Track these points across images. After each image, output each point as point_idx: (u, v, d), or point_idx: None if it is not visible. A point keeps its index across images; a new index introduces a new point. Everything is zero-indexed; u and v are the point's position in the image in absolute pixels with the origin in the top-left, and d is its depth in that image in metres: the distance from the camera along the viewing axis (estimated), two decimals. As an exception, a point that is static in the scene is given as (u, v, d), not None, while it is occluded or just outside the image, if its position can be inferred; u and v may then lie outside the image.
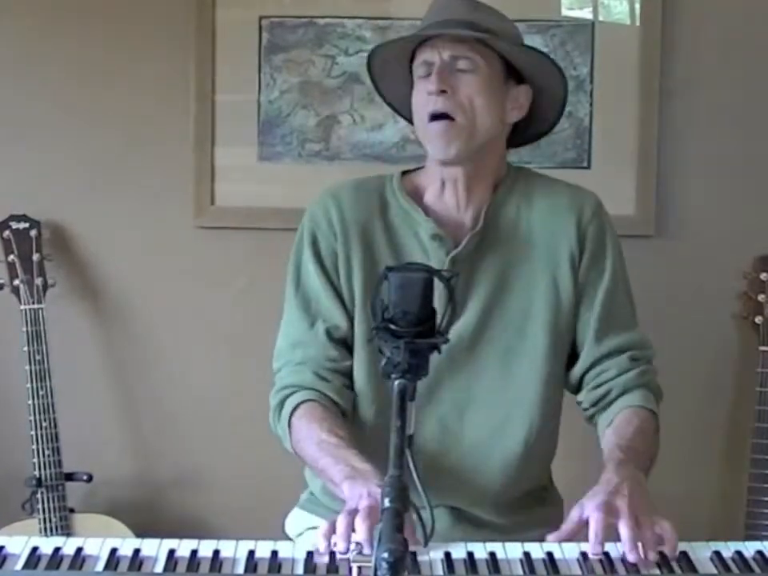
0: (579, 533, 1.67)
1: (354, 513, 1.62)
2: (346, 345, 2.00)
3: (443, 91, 1.91)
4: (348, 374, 2.00)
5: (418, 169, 2.09)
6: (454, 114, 1.91)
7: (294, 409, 1.94)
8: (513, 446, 1.98)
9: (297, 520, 2.13)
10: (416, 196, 2.03)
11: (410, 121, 2.07)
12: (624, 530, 1.61)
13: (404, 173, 2.08)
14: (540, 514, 2.04)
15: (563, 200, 2.03)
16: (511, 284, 1.98)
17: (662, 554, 1.62)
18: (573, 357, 2.04)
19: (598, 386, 1.99)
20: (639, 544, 1.60)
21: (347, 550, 1.58)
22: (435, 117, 1.92)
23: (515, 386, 1.97)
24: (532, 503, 2.06)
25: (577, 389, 2.05)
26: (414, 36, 1.97)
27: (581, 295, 2.00)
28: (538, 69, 2.00)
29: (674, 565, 1.60)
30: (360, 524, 1.59)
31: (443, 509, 1.94)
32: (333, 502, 2.01)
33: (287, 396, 1.96)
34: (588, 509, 1.65)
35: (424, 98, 1.94)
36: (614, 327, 2.00)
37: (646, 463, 1.86)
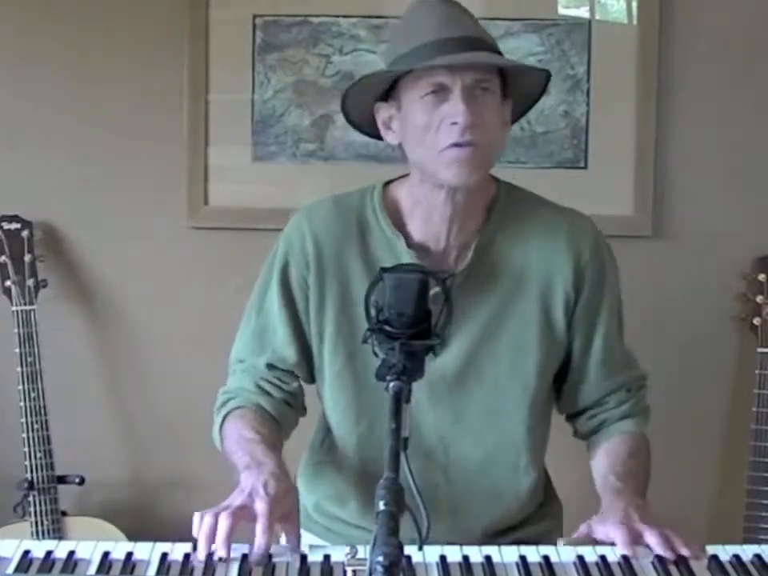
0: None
1: (243, 513, 1.62)
2: (291, 372, 1.96)
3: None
4: (291, 394, 1.97)
5: (402, 177, 1.95)
6: (479, 142, 1.77)
7: (228, 413, 1.94)
8: (501, 480, 1.95)
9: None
10: (398, 215, 1.91)
11: (371, 135, 1.93)
12: (653, 539, 1.62)
13: (386, 183, 1.96)
14: (538, 530, 2.02)
15: (561, 237, 1.91)
16: (504, 322, 1.89)
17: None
18: (568, 390, 2.00)
19: (595, 416, 1.97)
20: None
21: (208, 554, 1.58)
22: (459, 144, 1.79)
23: (502, 422, 1.92)
24: (528, 523, 2.02)
25: (572, 419, 2.03)
26: (451, 58, 1.74)
27: (574, 338, 1.93)
28: (529, 82, 1.88)
29: (672, 568, 1.59)
30: (221, 524, 1.59)
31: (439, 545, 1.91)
32: (328, 521, 2.00)
33: (228, 399, 1.96)
34: (608, 531, 1.65)
35: (441, 125, 1.77)
36: (612, 370, 1.96)
37: (642, 486, 1.85)
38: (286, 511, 1.68)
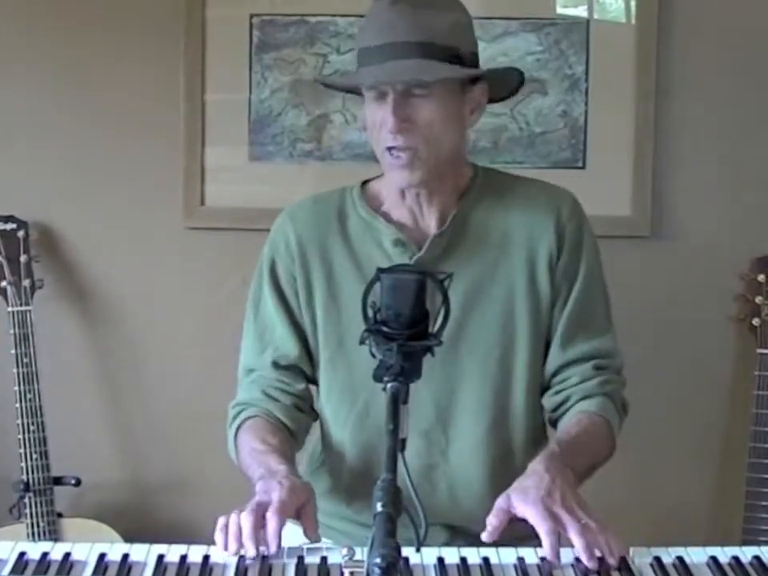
0: (506, 523, 1.63)
1: (261, 508, 1.62)
2: (296, 369, 1.98)
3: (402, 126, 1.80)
4: (300, 397, 1.98)
5: (379, 176, 2.00)
6: (415, 145, 1.81)
7: (240, 424, 1.95)
8: (499, 456, 1.94)
9: (292, 535, 2.08)
10: (376, 204, 1.96)
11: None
12: (576, 539, 1.58)
13: (365, 182, 2.01)
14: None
15: (540, 199, 1.95)
16: (489, 288, 1.91)
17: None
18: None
19: (559, 392, 1.95)
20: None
21: (257, 553, 1.59)
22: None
23: (498, 394, 1.92)
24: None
25: (543, 395, 2.00)
26: (361, 80, 1.84)
27: (556, 297, 1.94)
28: (496, 71, 1.94)
29: (670, 568, 1.59)
30: (270, 519, 1.60)
31: (438, 527, 1.90)
32: (329, 519, 1.99)
33: (239, 412, 1.97)
34: (527, 513, 1.62)
35: (380, 129, 1.83)
36: (581, 333, 1.94)
37: (584, 464, 1.81)
38: (302, 501, 1.69)
